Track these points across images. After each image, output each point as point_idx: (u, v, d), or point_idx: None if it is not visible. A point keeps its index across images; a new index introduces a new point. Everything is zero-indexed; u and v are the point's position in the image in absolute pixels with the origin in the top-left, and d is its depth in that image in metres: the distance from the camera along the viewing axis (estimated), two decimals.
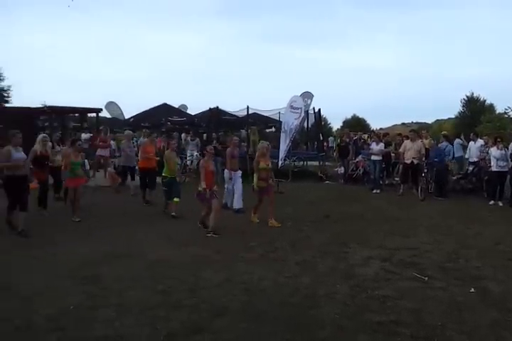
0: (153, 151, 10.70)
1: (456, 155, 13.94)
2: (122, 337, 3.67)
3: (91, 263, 5.68)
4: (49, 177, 9.23)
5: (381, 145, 13.06)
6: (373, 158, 13.02)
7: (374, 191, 12.64)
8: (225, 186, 9.55)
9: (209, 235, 7.17)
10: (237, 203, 9.24)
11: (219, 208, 7.56)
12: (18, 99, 37.64)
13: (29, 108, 17.68)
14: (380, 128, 54.93)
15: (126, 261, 5.84)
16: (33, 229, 7.20)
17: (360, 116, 58.70)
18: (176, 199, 8.74)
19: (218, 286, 4.89)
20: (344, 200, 11.13)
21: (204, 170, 7.41)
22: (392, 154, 13.83)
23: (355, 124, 49.66)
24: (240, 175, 9.50)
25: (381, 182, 13.33)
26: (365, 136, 18.88)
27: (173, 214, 8.71)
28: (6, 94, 31.48)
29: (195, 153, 16.14)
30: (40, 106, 17.47)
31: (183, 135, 18.47)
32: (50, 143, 9.65)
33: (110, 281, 5.04)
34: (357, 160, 15.08)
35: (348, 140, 16.01)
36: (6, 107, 24.95)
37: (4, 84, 31.40)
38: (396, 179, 14.01)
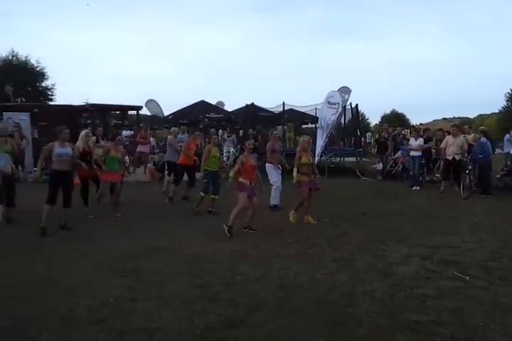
0: (193, 149, 10.71)
1: (505, 151, 13.52)
2: (160, 330, 3.74)
3: (131, 257, 5.82)
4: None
5: (420, 141, 12.76)
6: (412, 153, 12.73)
7: (414, 188, 12.37)
8: (271, 181, 9.08)
9: (245, 230, 7.20)
10: (274, 199, 9.19)
11: (257, 206, 7.35)
12: (61, 97, 39.02)
13: (72, 106, 18.30)
14: (421, 124, 53.62)
15: (165, 255, 5.96)
16: (75, 224, 7.43)
17: (400, 111, 57.57)
18: (213, 196, 8.81)
19: (255, 281, 4.91)
20: (382, 197, 10.94)
21: (240, 163, 7.23)
22: (433, 150, 13.51)
23: (394, 119, 48.72)
24: (281, 171, 9.31)
25: (421, 178, 13.02)
26: (407, 131, 18.45)
27: (210, 209, 8.81)
28: (49, 93, 32.63)
29: (232, 150, 16.28)
30: (83, 103, 18.04)
31: (220, 131, 18.63)
32: (94, 138, 9.91)
33: (149, 274, 5.15)
34: (396, 156, 14.81)
35: (386, 135, 15.73)
36: (50, 105, 25.89)
37: (48, 82, 32.52)
38: (437, 175, 13.67)
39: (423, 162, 12.95)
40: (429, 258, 5.74)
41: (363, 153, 18.83)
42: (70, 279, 5.00)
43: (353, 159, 17.19)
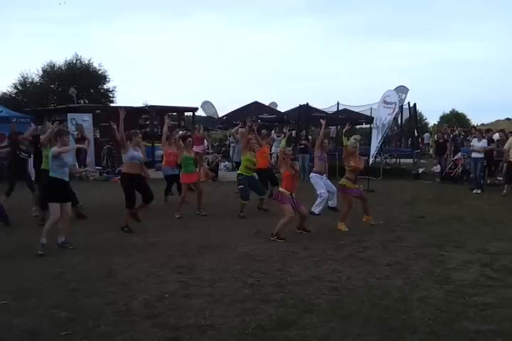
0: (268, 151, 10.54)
1: None
2: (213, 327, 3.81)
3: (185, 254, 5.98)
4: None
5: (484, 142, 12.17)
6: (474, 155, 12.18)
7: (474, 191, 11.83)
8: (318, 192, 8.64)
9: (299, 231, 7.15)
10: (332, 201, 9.00)
11: (306, 214, 7.15)
12: (122, 99, 40.45)
13: (132, 107, 18.99)
14: (482, 124, 51.07)
15: (218, 252, 6.06)
16: (133, 222, 7.52)
17: (460, 111, 55.21)
18: (260, 197, 8.86)
19: (306, 283, 4.88)
20: (441, 200, 10.55)
21: (284, 172, 7.00)
22: (495, 151, 12.88)
23: (455, 120, 46.75)
24: (327, 177, 8.96)
25: (482, 181, 12.45)
26: (458, 131, 17.64)
27: (260, 206, 8.97)
28: (111, 95, 33.89)
29: None
30: (142, 105, 18.67)
31: (272, 132, 18.67)
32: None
33: (203, 272, 5.26)
34: (456, 157, 14.24)
35: (445, 136, 15.17)
36: (111, 106, 26.96)
37: (110, 85, 33.81)
38: (499, 179, 13.03)
39: (484, 164, 12.38)
40: (489, 265, 5.48)
41: (421, 154, 18.27)
42: (128, 274, 5.20)
43: (410, 160, 16.72)
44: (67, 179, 6.34)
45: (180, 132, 16.91)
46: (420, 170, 14.87)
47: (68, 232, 6.48)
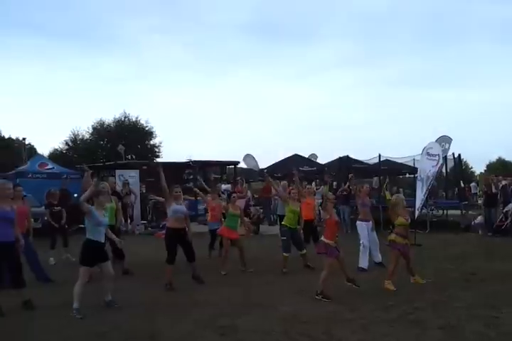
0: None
1: None
2: None
3: (227, 314, 5.88)
4: None
5: None
6: None
7: None
8: (361, 242, 8.60)
9: (349, 284, 6.89)
10: (376, 256, 8.81)
11: (343, 258, 6.89)
12: (167, 154, 41.74)
13: (176, 162, 19.73)
14: None
15: (259, 312, 5.94)
16: (178, 278, 7.49)
17: (507, 159, 53.60)
18: (300, 252, 8.74)
19: None
20: (493, 255, 10.03)
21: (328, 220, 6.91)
22: None
23: (502, 168, 45.35)
24: (371, 226, 8.78)
25: None
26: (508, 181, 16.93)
27: (308, 264, 8.71)
28: (157, 150, 35.25)
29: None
30: (186, 160, 19.35)
31: (312, 184, 18.66)
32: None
33: (245, 333, 5.15)
34: (506, 209, 13.69)
35: (494, 187, 14.67)
36: (157, 162, 27.99)
37: (156, 141, 35.25)
38: None
39: None
40: None
41: (468, 205, 17.67)
42: (171, 334, 5.16)
43: (458, 212, 16.17)
44: (102, 240, 6.28)
45: (223, 186, 17.27)
46: (473, 222, 14.34)
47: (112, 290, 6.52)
